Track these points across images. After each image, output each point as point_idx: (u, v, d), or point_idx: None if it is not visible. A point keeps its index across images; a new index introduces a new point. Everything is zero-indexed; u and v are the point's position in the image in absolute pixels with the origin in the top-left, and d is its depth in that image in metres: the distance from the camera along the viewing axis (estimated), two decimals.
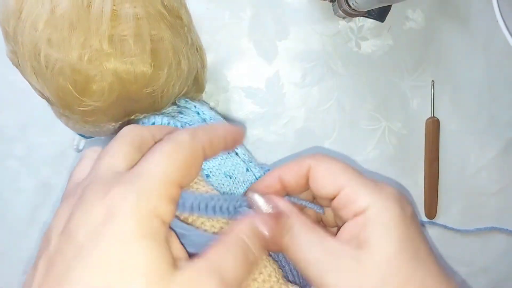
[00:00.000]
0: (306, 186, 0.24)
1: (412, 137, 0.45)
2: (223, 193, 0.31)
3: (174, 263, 0.17)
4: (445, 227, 0.44)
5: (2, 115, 0.42)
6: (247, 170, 0.34)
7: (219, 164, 0.33)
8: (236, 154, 0.32)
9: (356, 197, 0.21)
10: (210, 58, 0.42)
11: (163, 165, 0.18)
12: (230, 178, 0.32)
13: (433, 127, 0.44)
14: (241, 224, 0.20)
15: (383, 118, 0.44)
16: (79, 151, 0.40)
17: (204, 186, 0.29)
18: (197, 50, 0.35)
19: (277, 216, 0.21)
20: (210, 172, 0.32)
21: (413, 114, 0.45)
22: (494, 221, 0.46)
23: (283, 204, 0.23)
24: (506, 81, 0.45)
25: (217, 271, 0.17)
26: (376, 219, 0.20)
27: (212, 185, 0.31)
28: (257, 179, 0.34)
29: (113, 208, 0.17)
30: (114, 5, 0.26)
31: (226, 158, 0.32)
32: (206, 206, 0.21)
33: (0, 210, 0.43)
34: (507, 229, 0.45)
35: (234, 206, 0.22)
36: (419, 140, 0.45)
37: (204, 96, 0.42)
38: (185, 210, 0.21)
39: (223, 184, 0.32)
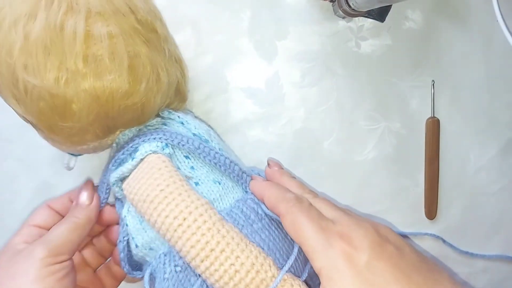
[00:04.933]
0: None
1: (412, 137, 0.45)
2: (213, 199, 0.32)
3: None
4: (451, 245, 0.45)
5: (2, 115, 0.42)
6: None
7: (207, 172, 0.32)
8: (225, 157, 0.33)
9: (312, 257, 0.26)
10: (209, 58, 0.42)
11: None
12: (219, 184, 0.32)
13: (433, 127, 0.44)
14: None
15: (383, 118, 0.44)
16: (70, 169, 0.40)
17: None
18: (176, 60, 0.35)
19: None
20: (199, 180, 0.32)
21: (412, 114, 0.45)
22: (493, 221, 0.46)
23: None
24: (506, 81, 0.45)
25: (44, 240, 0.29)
26: (325, 279, 0.26)
27: (202, 193, 0.31)
28: (246, 182, 0.34)
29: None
30: (87, 26, 0.27)
31: (215, 164, 0.32)
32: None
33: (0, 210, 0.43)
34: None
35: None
36: (419, 140, 0.45)
37: (203, 97, 0.42)
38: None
39: (213, 191, 0.32)
